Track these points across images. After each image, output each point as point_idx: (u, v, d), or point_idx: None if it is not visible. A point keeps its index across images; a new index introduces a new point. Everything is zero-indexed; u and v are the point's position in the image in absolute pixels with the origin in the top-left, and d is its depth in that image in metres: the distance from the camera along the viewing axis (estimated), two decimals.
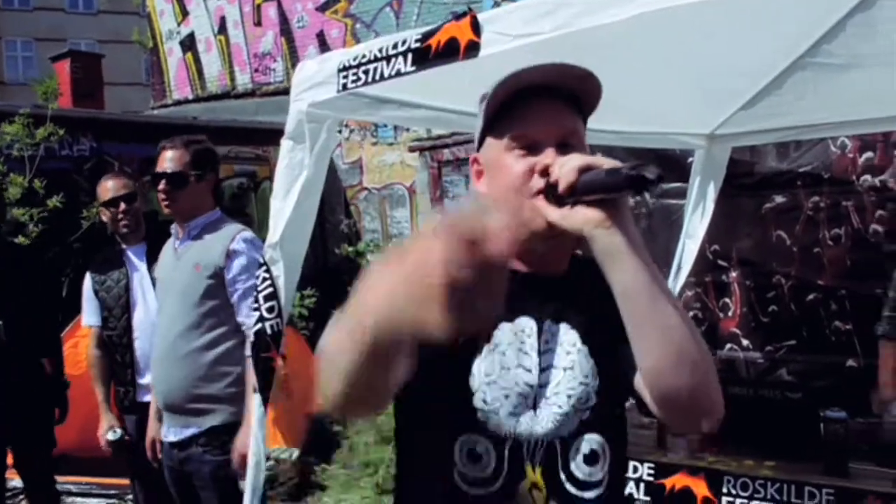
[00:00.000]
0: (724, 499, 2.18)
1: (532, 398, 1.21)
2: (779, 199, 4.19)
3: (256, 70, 10.32)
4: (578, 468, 1.22)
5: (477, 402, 1.20)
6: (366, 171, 9.12)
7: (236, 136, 8.50)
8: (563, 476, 1.21)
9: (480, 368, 1.20)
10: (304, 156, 2.12)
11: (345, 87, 2.01)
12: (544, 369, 1.23)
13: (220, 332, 2.60)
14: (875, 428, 2.35)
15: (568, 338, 1.24)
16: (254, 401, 2.12)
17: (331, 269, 8.21)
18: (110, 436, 3.23)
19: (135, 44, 14.81)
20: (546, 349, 1.23)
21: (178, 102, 11.34)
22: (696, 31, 2.21)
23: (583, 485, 1.22)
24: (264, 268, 2.09)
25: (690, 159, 3.86)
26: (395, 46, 1.91)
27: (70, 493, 4.64)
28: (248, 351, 2.39)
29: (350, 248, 8.60)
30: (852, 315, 4.04)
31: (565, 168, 1.09)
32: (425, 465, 1.27)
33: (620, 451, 1.29)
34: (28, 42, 28.15)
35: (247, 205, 8.58)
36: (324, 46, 9.56)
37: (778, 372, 4.14)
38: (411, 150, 8.35)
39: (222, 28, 10.69)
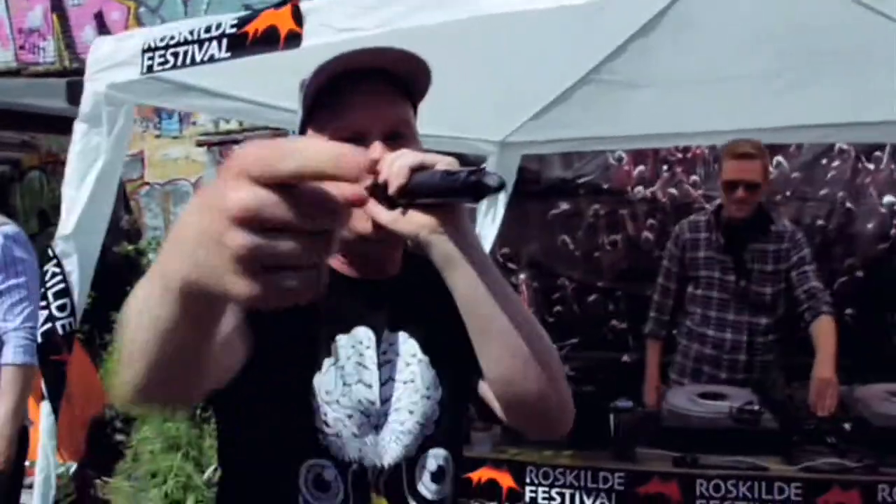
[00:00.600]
0: (528, 488, 2.29)
1: (375, 416, 1.12)
2: (563, 205, 4.49)
3: (22, 47, 9.34)
4: (426, 487, 1.15)
5: (319, 423, 1.08)
6: (148, 164, 8.57)
7: None
8: (410, 499, 1.13)
9: (321, 385, 1.09)
10: (101, 140, 1.96)
11: (150, 69, 1.88)
12: (385, 383, 1.13)
13: None
14: (655, 415, 2.58)
15: (407, 347, 1.15)
16: (41, 409, 1.92)
17: (109, 267, 7.61)
18: None
19: None
20: (385, 361, 1.14)
21: None
22: (499, 44, 2.32)
23: (430, 503, 1.15)
24: (54, 261, 1.90)
25: (483, 165, 4.02)
26: (207, 30, 1.81)
27: None
28: (15, 359, 2.17)
29: (130, 247, 8.04)
30: (627, 314, 4.43)
31: (395, 166, 0.97)
32: (263, 493, 1.11)
33: (460, 462, 1.22)
34: None
35: (10, 195, 7.75)
36: (103, 28, 8.84)
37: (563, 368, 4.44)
38: (199, 144, 7.96)
39: None
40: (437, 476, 1.16)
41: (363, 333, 1.13)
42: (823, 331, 2.77)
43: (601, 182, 4.49)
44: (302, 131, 1.14)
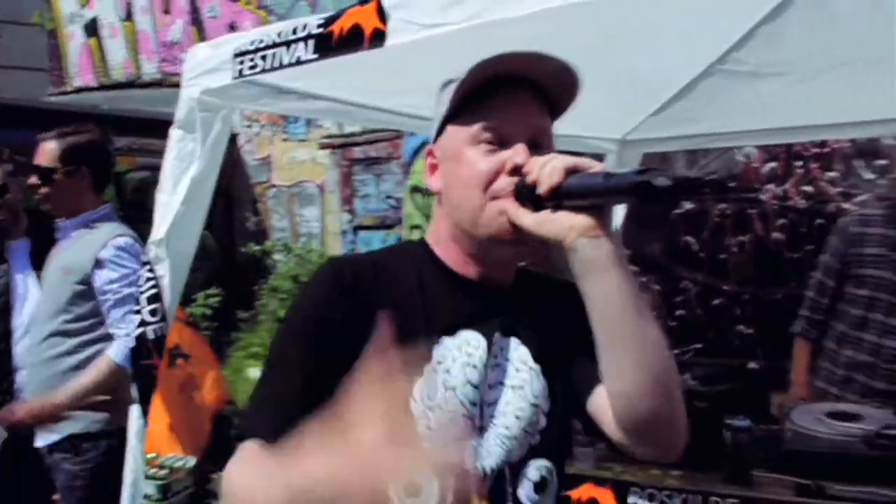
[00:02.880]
0: None
1: (478, 419, 1.09)
2: (687, 205, 4.29)
3: (164, 59, 9.92)
4: (527, 497, 1.11)
5: (420, 428, 1.05)
6: (275, 167, 8.88)
7: (141, 127, 8.10)
8: None
9: (423, 391, 1.06)
10: (196, 147, 1.97)
11: (241, 73, 1.87)
12: (492, 386, 1.11)
13: (85, 339, 2.44)
14: (777, 435, 2.37)
15: (518, 354, 1.13)
16: (131, 413, 1.96)
17: (237, 267, 7.94)
18: None
19: (34, 26, 14.06)
20: (495, 364, 1.12)
21: (79, 90, 10.79)
22: (615, 35, 2.18)
23: None
24: (147, 267, 1.93)
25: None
26: (294, 31, 1.78)
27: None
28: (117, 358, 2.28)
29: (256, 248, 8.35)
30: (754, 319, 4.19)
31: (549, 167, 0.99)
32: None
33: (563, 477, 1.18)
34: None
35: (149, 200, 8.22)
36: None
37: (684, 375, 4.23)
38: (322, 147, 8.16)
39: (129, 13, 10.23)
40: (539, 487, 1.12)
41: (472, 338, 1.11)
42: None
43: (728, 180, 4.27)
44: (441, 127, 1.15)
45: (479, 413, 1.09)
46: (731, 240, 4.28)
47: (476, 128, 1.09)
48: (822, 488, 2.05)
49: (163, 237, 1.95)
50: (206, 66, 1.95)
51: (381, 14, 1.65)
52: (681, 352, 4.27)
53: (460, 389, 1.07)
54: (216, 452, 4.89)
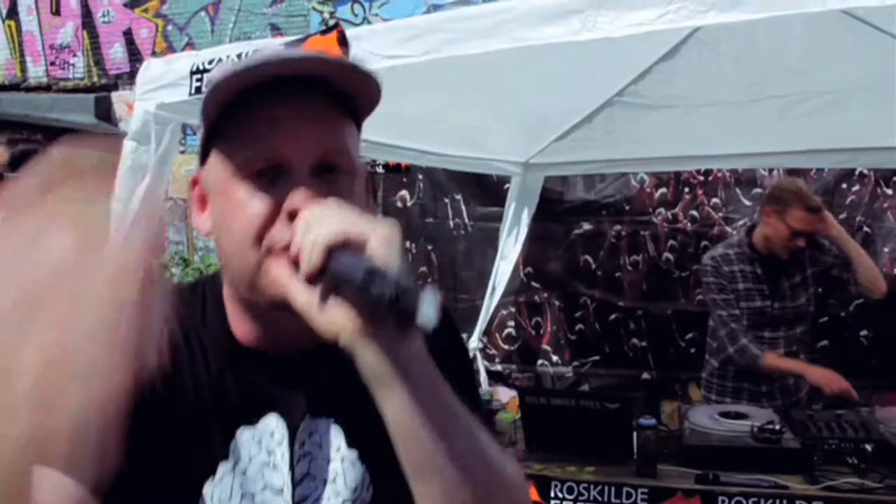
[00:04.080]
0: (552, 502, 2.33)
1: None
2: (586, 226, 4.54)
3: (52, 63, 9.54)
4: None
5: None
6: (172, 180, 8.70)
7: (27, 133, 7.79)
8: None
9: (213, 495, 0.85)
10: (149, 158, 2.04)
11: (198, 90, 1.96)
12: (300, 482, 0.89)
13: None
14: (677, 433, 2.62)
15: (329, 439, 0.91)
16: None
17: None
18: None
19: None
20: (303, 454, 0.90)
21: None
22: (524, 67, 2.38)
23: None
24: None
25: (507, 185, 4.10)
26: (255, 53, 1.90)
27: None
28: None
29: (153, 261, 8.16)
30: (647, 333, 4.47)
31: (309, 240, 0.71)
32: None
33: None
34: None
35: None
36: (131, 45, 9.04)
37: (582, 386, 4.49)
38: None
39: (12, 12, 9.77)
40: None
41: (273, 424, 0.88)
42: None
43: (623, 203, 4.55)
44: (203, 158, 0.85)
45: None
46: (626, 259, 4.54)
47: (241, 155, 0.80)
48: (717, 476, 2.30)
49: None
50: (161, 81, 2.02)
51: (344, 43, 1.78)
52: (580, 364, 4.53)
53: (259, 496, 0.86)
54: None
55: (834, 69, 2.61)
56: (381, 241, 0.71)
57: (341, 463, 0.90)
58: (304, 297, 0.74)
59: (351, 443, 0.90)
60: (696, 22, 1.46)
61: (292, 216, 0.76)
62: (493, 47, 1.65)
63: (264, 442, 0.87)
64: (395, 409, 0.75)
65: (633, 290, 4.52)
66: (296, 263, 0.73)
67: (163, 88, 2.03)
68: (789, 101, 2.85)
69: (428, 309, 0.64)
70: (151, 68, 2.08)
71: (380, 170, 5.93)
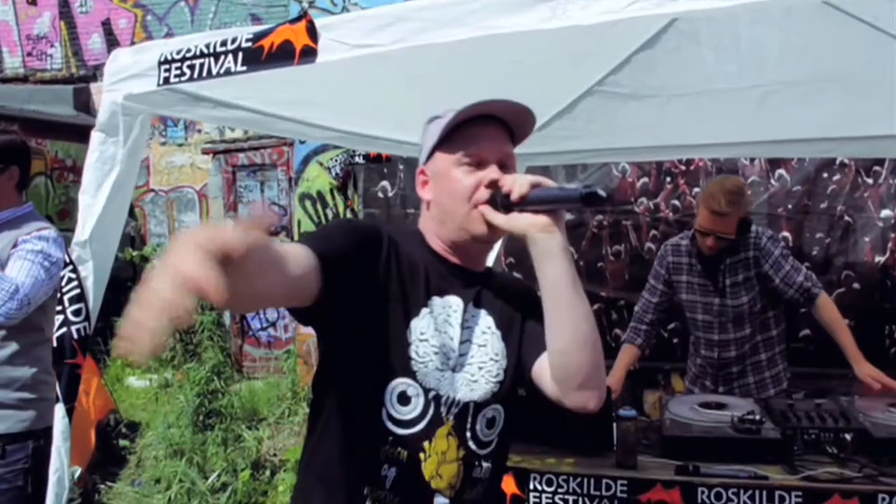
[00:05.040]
0: (532, 494, 2.32)
1: (453, 361, 1.41)
2: (567, 215, 4.53)
3: (29, 54, 9.41)
4: (480, 430, 1.43)
5: (412, 352, 1.37)
6: (153, 171, 8.63)
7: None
8: (468, 433, 1.42)
9: (417, 326, 1.38)
10: (118, 150, 1.99)
11: (167, 80, 1.92)
12: (463, 342, 1.44)
13: (5, 332, 2.41)
14: (657, 424, 2.61)
15: (485, 321, 1.47)
16: (56, 412, 1.95)
17: (113, 273, 7.66)
18: None
19: None
20: (467, 325, 1.44)
21: None
22: (505, 56, 2.36)
23: (481, 443, 1.44)
24: (70, 267, 1.94)
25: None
26: (223, 44, 1.85)
27: None
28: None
29: (135, 253, 8.09)
30: (629, 324, 4.47)
31: (519, 181, 1.33)
32: (351, 408, 1.39)
33: (511, 423, 1.49)
34: None
35: None
36: (110, 36, 8.94)
37: None
38: (205, 152, 8.02)
39: None
40: (490, 422, 1.45)
41: (454, 300, 1.44)
42: (828, 314, 2.99)
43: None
44: (431, 152, 1.47)
45: (454, 358, 1.41)
46: (608, 249, 4.54)
47: (460, 154, 1.42)
48: (697, 468, 2.29)
49: (86, 239, 1.96)
50: (129, 72, 1.97)
51: (313, 33, 1.75)
52: None
53: (442, 335, 1.40)
54: (101, 462, 4.75)
55: (814, 58, 2.59)
56: (553, 184, 1.36)
57: (491, 336, 1.47)
58: (502, 218, 1.36)
59: (497, 326, 1.47)
60: (668, 10, 1.43)
61: (490, 185, 1.38)
62: (462, 36, 1.62)
63: (446, 308, 1.43)
64: (558, 271, 1.33)
65: (615, 280, 4.52)
66: (495, 204, 1.37)
67: (131, 79, 1.98)
68: (769, 91, 2.83)
69: (602, 191, 1.24)
70: (119, 58, 2.02)
71: (359, 160, 5.90)
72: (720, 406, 2.56)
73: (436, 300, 1.42)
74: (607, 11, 1.46)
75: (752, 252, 3.03)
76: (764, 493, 2.22)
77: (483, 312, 1.47)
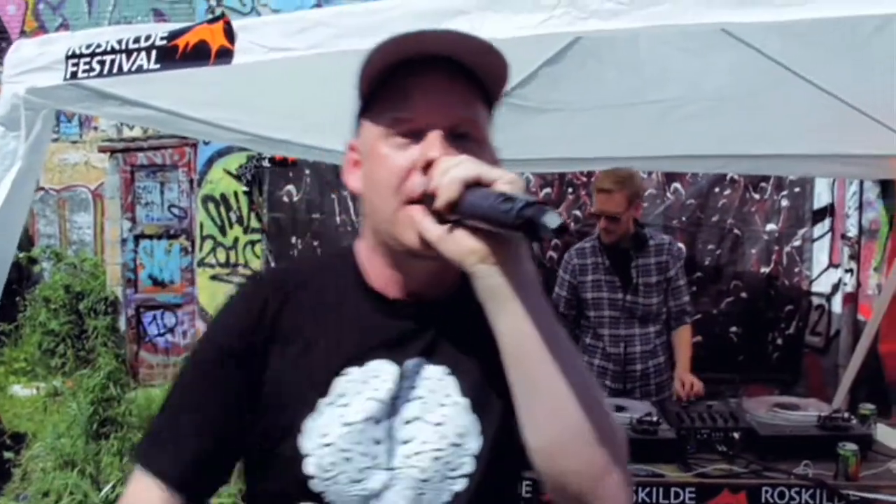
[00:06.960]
0: None
1: (385, 459, 0.94)
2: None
3: None
4: None
5: (309, 468, 0.93)
6: (44, 169, 8.22)
7: None
8: None
9: (316, 426, 0.94)
10: (18, 145, 1.92)
11: (74, 75, 1.86)
12: (408, 422, 0.95)
13: None
14: None
15: (442, 385, 0.97)
16: None
17: None
18: None
19: None
20: (414, 397, 0.96)
21: None
22: None
23: None
24: None
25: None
26: (136, 41, 1.81)
27: None
28: None
29: (22, 255, 7.69)
30: None
31: (447, 176, 0.83)
32: None
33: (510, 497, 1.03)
34: None
35: None
36: None
37: None
38: (102, 150, 7.71)
39: None
40: None
41: (381, 366, 0.96)
42: (683, 339, 3.29)
43: None
44: (357, 128, 0.99)
45: (385, 454, 0.94)
46: None
47: (387, 119, 0.92)
48: None
49: None
50: (33, 64, 1.90)
51: (229, 34, 1.74)
52: None
53: (362, 426, 0.94)
54: None
55: (710, 79, 2.75)
56: (507, 182, 0.81)
57: (453, 408, 0.96)
58: (435, 231, 0.86)
59: (465, 391, 0.96)
60: (578, 28, 1.50)
61: (426, 168, 0.88)
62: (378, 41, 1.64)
63: (370, 381, 0.95)
64: (513, 326, 0.83)
65: None
66: (429, 206, 0.86)
67: (35, 72, 1.91)
68: (668, 106, 2.98)
69: (552, 219, 0.74)
70: (22, 49, 1.95)
71: (266, 164, 5.82)
72: (620, 409, 2.66)
73: (351, 375, 0.96)
74: (522, 27, 1.51)
75: (665, 256, 3.20)
76: (660, 489, 2.33)
77: (440, 370, 0.97)
